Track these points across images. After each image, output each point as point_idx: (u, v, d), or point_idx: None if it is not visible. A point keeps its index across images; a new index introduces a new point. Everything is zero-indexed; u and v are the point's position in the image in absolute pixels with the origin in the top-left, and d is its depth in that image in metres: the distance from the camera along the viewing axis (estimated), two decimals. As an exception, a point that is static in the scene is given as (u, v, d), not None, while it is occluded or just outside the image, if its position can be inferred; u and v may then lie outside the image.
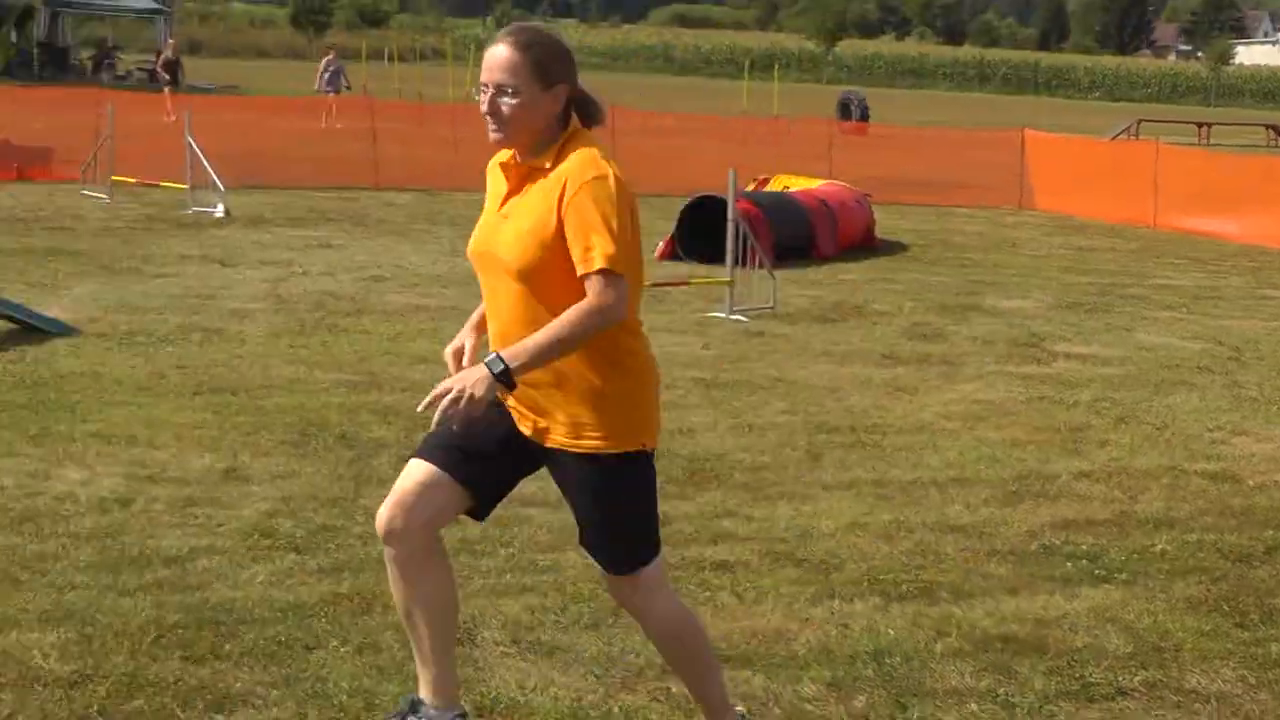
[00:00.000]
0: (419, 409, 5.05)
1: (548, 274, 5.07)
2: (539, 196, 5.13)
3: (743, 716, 5.85)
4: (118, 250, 19.08)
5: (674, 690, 6.22)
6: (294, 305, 15.42)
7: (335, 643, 6.62)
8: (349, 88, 50.03)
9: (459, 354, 5.44)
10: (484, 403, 4.95)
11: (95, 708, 5.89)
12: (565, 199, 5.02)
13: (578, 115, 5.26)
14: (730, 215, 15.90)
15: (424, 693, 5.63)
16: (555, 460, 5.31)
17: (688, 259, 19.62)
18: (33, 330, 13.14)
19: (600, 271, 4.96)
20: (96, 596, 7.09)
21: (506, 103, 5.11)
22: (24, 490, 8.74)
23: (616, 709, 6.05)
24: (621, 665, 6.48)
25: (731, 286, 15.71)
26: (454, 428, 5.13)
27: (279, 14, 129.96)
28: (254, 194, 25.78)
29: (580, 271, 4.99)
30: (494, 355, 4.99)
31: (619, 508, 5.29)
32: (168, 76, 48.93)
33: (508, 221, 5.20)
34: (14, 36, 67.65)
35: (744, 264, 16.04)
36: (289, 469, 9.40)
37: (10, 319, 13.25)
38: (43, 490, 8.76)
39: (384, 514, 5.35)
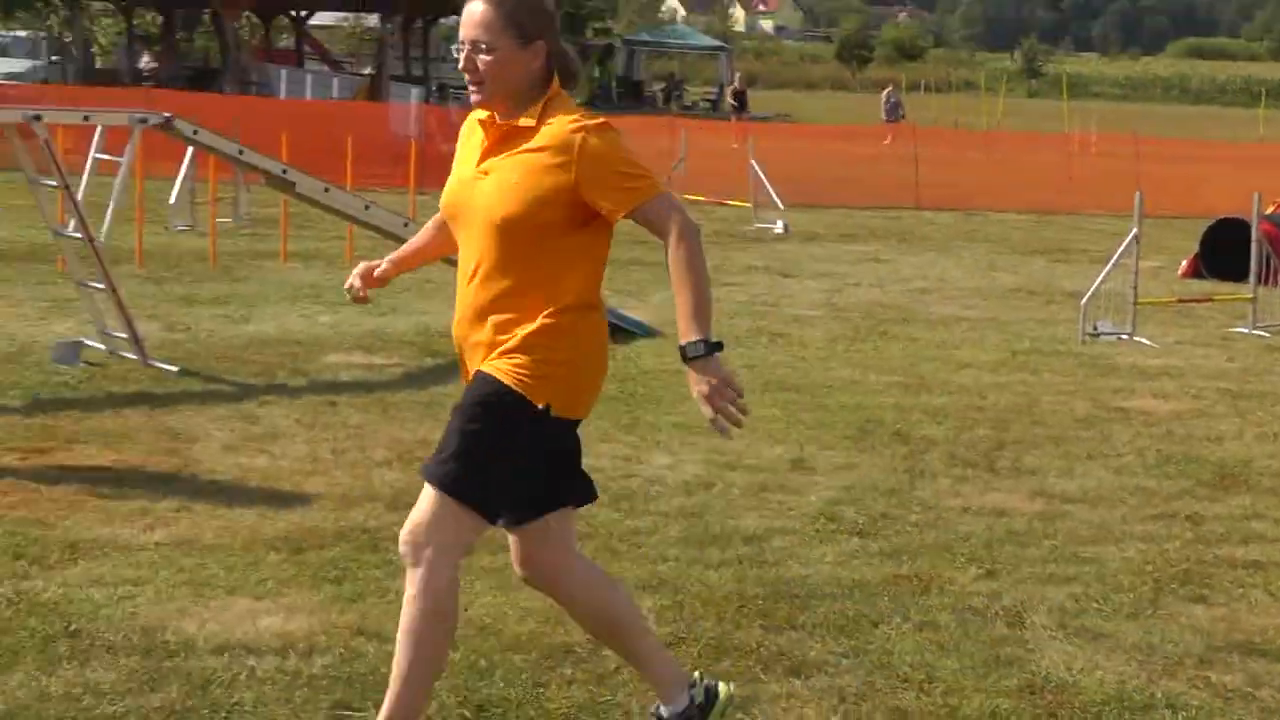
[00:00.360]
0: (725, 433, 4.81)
1: (529, 227, 4.74)
2: (528, 154, 4.75)
3: None
4: (690, 261, 19.49)
5: (1213, 679, 6.09)
6: (848, 313, 15.56)
7: (897, 619, 6.66)
8: (904, 116, 50.14)
9: (370, 269, 5.28)
10: (730, 378, 4.70)
11: (688, 665, 6.06)
12: (579, 152, 4.69)
13: (557, 74, 4.87)
14: (1254, 236, 15.47)
15: (661, 698, 5.36)
16: None
17: (1210, 277, 19.12)
18: (621, 331, 13.58)
19: (655, 197, 4.77)
20: (685, 568, 7.29)
21: (483, 59, 4.71)
22: (619, 472, 9.05)
23: (1158, 693, 5.93)
24: (1162, 653, 6.36)
25: (1254, 303, 15.24)
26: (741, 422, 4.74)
27: (825, 50, 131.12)
28: (808, 212, 26.08)
29: (628, 208, 4.76)
30: (686, 344, 4.75)
31: (481, 433, 4.76)
32: (736, 104, 50.17)
33: (489, 177, 4.80)
34: (596, 72, 70.19)
35: (1266, 282, 15.60)
36: (849, 461, 9.50)
37: (602, 321, 13.69)
38: (635, 473, 9.06)
39: (515, 561, 5.16)
